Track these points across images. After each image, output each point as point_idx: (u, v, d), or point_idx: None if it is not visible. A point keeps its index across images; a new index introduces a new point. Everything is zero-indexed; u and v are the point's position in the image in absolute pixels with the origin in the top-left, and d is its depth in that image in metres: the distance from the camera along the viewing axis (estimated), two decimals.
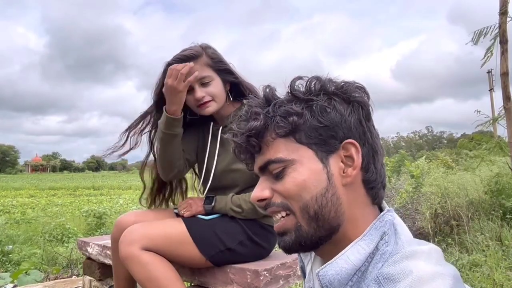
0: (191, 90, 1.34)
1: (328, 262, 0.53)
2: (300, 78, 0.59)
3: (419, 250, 0.50)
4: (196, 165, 1.58)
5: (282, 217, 0.57)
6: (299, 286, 2.93)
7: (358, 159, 0.56)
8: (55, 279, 3.21)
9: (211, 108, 1.36)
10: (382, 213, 0.57)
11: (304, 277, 0.75)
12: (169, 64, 1.34)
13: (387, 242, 0.53)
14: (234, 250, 1.32)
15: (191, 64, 1.30)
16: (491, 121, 3.70)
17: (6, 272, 4.36)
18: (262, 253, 1.41)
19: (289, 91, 0.59)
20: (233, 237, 1.33)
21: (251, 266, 1.31)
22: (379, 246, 0.53)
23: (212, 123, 1.48)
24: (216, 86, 1.37)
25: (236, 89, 1.44)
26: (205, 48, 1.37)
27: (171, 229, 1.27)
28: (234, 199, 1.35)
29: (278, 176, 0.56)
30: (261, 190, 0.58)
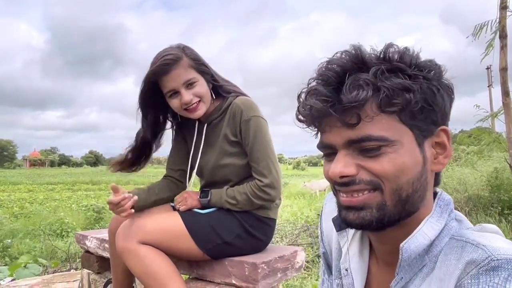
0: (176, 94, 1.31)
1: (410, 237, 0.53)
2: (392, 46, 0.52)
3: (484, 225, 0.55)
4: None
5: (363, 194, 0.53)
6: (296, 279, 2.94)
7: (450, 147, 0.55)
8: (53, 273, 3.22)
9: (200, 111, 1.34)
10: (439, 193, 0.58)
11: (327, 264, 0.75)
12: (150, 73, 1.30)
13: (453, 219, 0.56)
14: (231, 243, 1.32)
15: (126, 195, 1.28)
16: (491, 116, 3.70)
17: (5, 265, 4.37)
18: (259, 246, 1.41)
19: (384, 57, 0.51)
20: (230, 230, 1.32)
21: (249, 259, 1.31)
22: (447, 222, 0.55)
23: (197, 122, 1.46)
24: (202, 86, 1.34)
25: (216, 87, 1.42)
26: (184, 49, 1.34)
27: (168, 223, 1.27)
28: (228, 192, 1.35)
29: (370, 153, 0.50)
30: (345, 166, 0.51)
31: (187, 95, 1.30)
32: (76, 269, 3.50)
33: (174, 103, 1.33)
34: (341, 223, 0.61)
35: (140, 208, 1.36)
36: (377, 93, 0.49)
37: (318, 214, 5.18)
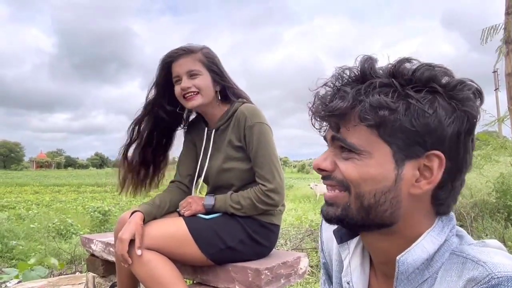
0: (179, 81, 1.40)
1: (407, 250, 0.53)
2: (408, 61, 0.52)
3: (487, 241, 0.54)
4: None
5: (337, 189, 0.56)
6: (300, 285, 2.94)
7: (437, 175, 0.51)
8: (59, 275, 3.24)
9: (195, 102, 1.39)
10: None
11: (327, 274, 0.75)
12: (164, 60, 1.42)
13: (454, 234, 0.55)
14: (235, 248, 1.33)
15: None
16: (496, 120, 3.68)
17: (10, 267, 4.40)
18: (263, 252, 1.41)
19: (389, 73, 0.52)
20: (234, 236, 1.33)
21: (252, 264, 1.31)
22: (448, 237, 0.54)
23: (206, 128, 1.50)
24: (204, 81, 1.40)
25: (226, 92, 1.47)
26: (203, 48, 1.43)
27: (173, 228, 1.28)
28: (233, 197, 1.37)
29: (344, 154, 0.54)
30: (324, 159, 0.56)
31: (186, 82, 1.38)
32: (81, 271, 3.52)
33: (176, 89, 1.41)
34: (342, 235, 0.63)
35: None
36: (359, 106, 0.51)
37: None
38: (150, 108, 1.50)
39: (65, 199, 17.60)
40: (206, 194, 1.47)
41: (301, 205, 11.73)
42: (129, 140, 1.55)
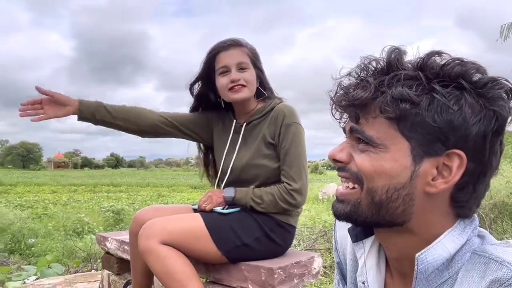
0: (226, 72, 1.39)
1: (427, 248, 0.51)
2: (438, 54, 0.50)
3: (511, 241, 0.52)
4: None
5: (348, 187, 0.55)
6: (314, 285, 2.91)
7: (456, 175, 0.49)
8: (75, 273, 3.30)
9: (242, 94, 1.39)
10: None
11: (341, 273, 0.74)
12: (211, 51, 1.42)
13: (475, 235, 0.53)
14: (250, 246, 1.32)
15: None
16: None
17: (29, 264, 4.50)
18: (277, 251, 1.40)
19: (417, 66, 0.50)
20: (250, 233, 1.33)
21: (266, 263, 1.31)
22: (469, 237, 0.52)
23: (235, 120, 1.50)
24: (251, 75, 1.41)
25: (262, 89, 1.48)
26: (247, 43, 1.45)
27: (189, 223, 1.29)
28: (255, 191, 1.37)
29: (361, 146, 0.53)
30: (340, 150, 0.55)
31: (236, 74, 1.37)
32: (96, 269, 3.58)
33: (222, 80, 1.39)
34: (358, 234, 0.62)
35: (87, 119, 1.39)
36: (380, 98, 0.50)
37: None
38: (200, 100, 1.52)
39: (81, 198, 17.93)
40: (223, 186, 1.47)
41: (314, 205, 11.66)
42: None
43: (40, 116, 1.32)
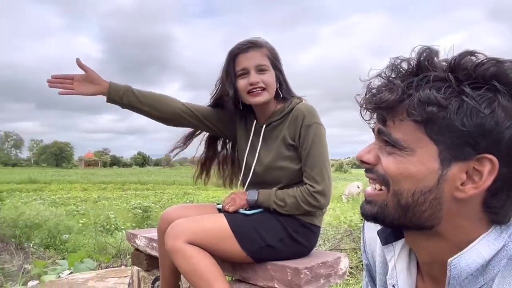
0: (245, 74, 1.38)
1: (460, 253, 0.50)
2: (472, 54, 0.48)
3: None
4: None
5: (375, 188, 0.55)
6: (339, 286, 2.88)
7: (486, 180, 0.47)
8: (106, 268, 3.41)
9: (262, 97, 1.38)
10: None
11: (370, 275, 0.73)
12: (231, 53, 1.41)
13: None
14: (274, 246, 1.33)
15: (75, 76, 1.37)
16: None
17: (63, 259, 4.70)
18: (302, 251, 1.40)
19: (449, 67, 0.49)
20: (274, 234, 1.34)
21: (292, 263, 1.31)
22: (506, 243, 0.50)
23: (255, 121, 1.50)
24: (271, 77, 1.40)
25: (281, 90, 1.47)
26: (267, 43, 1.44)
27: (214, 224, 1.31)
28: (278, 193, 1.37)
29: (388, 148, 0.52)
30: (367, 152, 0.55)
31: (255, 77, 1.36)
32: (126, 265, 3.69)
33: (241, 83, 1.39)
34: (387, 236, 0.61)
35: (115, 101, 1.42)
36: (407, 100, 0.49)
37: (362, 218, 5.02)
38: (218, 99, 1.52)
39: (110, 196, 18.51)
40: (245, 188, 1.48)
41: (339, 204, 11.50)
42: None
43: (68, 90, 1.36)
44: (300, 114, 1.37)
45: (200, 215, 1.40)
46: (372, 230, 0.68)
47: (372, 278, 0.73)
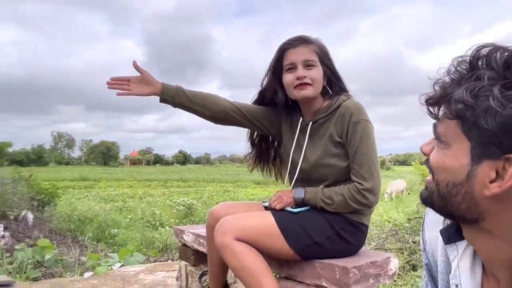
0: (292, 69, 1.39)
1: None
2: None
3: None
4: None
5: (430, 177, 0.60)
6: (387, 286, 2.80)
7: (509, 180, 0.48)
8: (154, 262, 3.56)
9: (307, 92, 1.38)
10: None
11: (430, 275, 0.72)
12: (280, 48, 1.43)
13: None
14: (322, 244, 1.32)
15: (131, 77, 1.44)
16: None
17: (113, 252, 4.97)
18: (350, 250, 1.38)
19: (503, 64, 0.49)
20: (321, 232, 1.33)
21: (340, 262, 1.29)
22: None
23: (301, 118, 1.50)
24: (318, 73, 1.40)
25: (330, 87, 1.47)
26: (316, 40, 1.44)
27: (261, 222, 1.32)
28: (324, 191, 1.36)
29: (436, 143, 0.57)
30: (427, 144, 0.60)
31: (302, 71, 1.37)
32: (172, 259, 3.84)
33: (287, 77, 1.41)
34: (451, 236, 0.61)
35: (167, 101, 1.47)
36: (446, 98, 0.53)
37: (409, 218, 4.84)
38: (265, 94, 1.54)
39: (154, 193, 19.26)
40: (292, 186, 1.48)
41: (382, 203, 11.16)
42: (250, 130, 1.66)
43: (125, 91, 1.44)
44: (348, 111, 1.35)
45: (247, 212, 1.42)
46: (432, 229, 0.67)
47: (432, 278, 0.71)
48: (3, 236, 4.18)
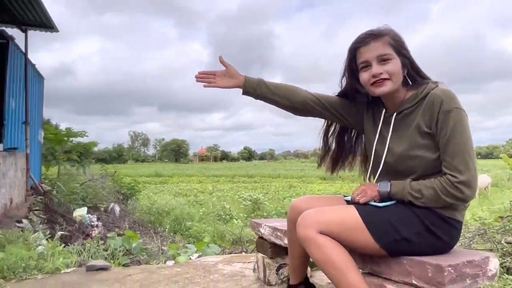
0: (367, 67, 1.36)
1: None
2: None
3: None
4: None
5: None
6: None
7: None
8: (230, 253, 3.70)
9: (386, 87, 1.33)
10: None
11: None
12: (351, 47, 1.40)
13: None
14: (411, 240, 1.25)
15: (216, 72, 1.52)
16: None
17: (188, 244, 5.27)
18: (442, 248, 1.29)
19: None
20: (409, 227, 1.26)
21: (431, 260, 1.22)
22: None
23: (384, 110, 1.44)
24: (395, 65, 1.34)
25: (410, 76, 1.39)
26: (391, 30, 1.37)
27: (345, 215, 1.29)
28: (412, 184, 1.29)
29: None
30: None
31: (377, 68, 1.33)
32: (246, 251, 3.95)
33: (363, 75, 1.38)
34: None
35: (249, 93, 1.51)
36: None
37: (500, 217, 4.38)
38: (346, 93, 1.52)
39: (223, 188, 20.01)
40: (375, 179, 1.43)
41: None
42: (326, 125, 1.66)
43: (211, 84, 1.53)
44: (437, 99, 1.26)
45: (328, 206, 1.40)
46: None
47: None
48: (97, 226, 4.68)
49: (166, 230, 6.81)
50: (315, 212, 1.32)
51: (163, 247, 4.32)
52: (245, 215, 10.46)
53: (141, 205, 8.52)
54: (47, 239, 3.71)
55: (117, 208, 6.31)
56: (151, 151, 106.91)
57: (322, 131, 1.67)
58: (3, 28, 6.28)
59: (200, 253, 3.72)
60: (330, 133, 1.67)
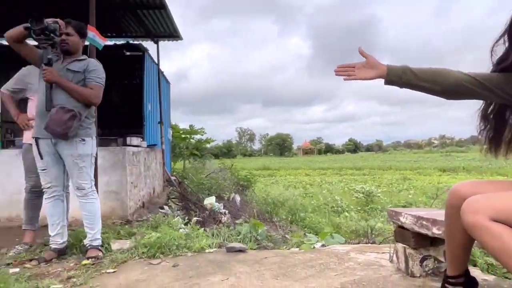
0: None
1: None
2: None
3: None
4: None
5: None
6: None
7: None
8: (357, 243, 3.64)
9: None
10: None
11: None
12: None
13: None
14: None
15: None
16: None
17: (304, 233, 5.35)
18: None
19: None
20: None
21: None
22: None
23: None
24: None
25: None
26: None
27: None
28: None
29: None
30: None
31: None
32: (373, 242, 3.82)
33: None
34: None
35: (393, 82, 1.44)
36: None
37: None
38: (502, 65, 1.39)
39: (331, 180, 19.74)
40: None
41: None
42: (485, 104, 1.52)
43: (351, 77, 1.52)
44: None
45: (497, 191, 1.26)
46: None
47: None
48: (225, 213, 5.12)
49: (282, 220, 7.05)
50: (484, 197, 1.20)
51: (285, 235, 4.49)
52: (358, 208, 10.14)
53: (258, 196, 8.99)
54: (185, 224, 4.21)
55: (238, 198, 6.79)
56: (256, 145, 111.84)
57: (480, 111, 1.50)
58: (140, 42, 7.32)
59: (323, 243, 3.74)
60: (489, 112, 1.49)
